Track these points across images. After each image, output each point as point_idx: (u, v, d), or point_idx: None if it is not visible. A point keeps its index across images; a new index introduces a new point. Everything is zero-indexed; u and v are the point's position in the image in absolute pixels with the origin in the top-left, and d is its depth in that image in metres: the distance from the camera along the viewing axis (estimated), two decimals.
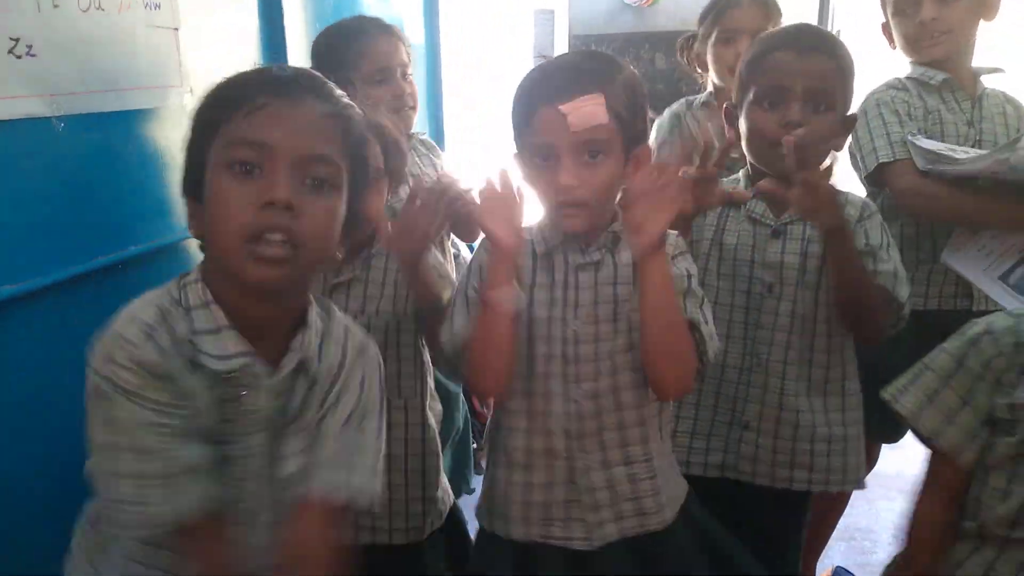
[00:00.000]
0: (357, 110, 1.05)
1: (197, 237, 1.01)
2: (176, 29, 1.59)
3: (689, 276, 1.26)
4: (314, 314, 1.06)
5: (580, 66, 1.24)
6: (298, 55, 2.03)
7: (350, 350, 1.08)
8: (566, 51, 1.41)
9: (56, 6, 1.35)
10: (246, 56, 1.91)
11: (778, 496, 1.53)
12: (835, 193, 1.41)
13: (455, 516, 1.64)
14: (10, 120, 1.25)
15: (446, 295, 1.42)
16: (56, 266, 1.32)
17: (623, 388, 1.26)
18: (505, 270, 1.19)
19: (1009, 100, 1.88)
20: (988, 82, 1.89)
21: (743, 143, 1.52)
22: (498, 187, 1.20)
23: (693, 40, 2.18)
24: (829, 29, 4.53)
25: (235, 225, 0.93)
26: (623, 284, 1.26)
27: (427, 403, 1.57)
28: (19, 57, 1.30)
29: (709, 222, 1.55)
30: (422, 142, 2.07)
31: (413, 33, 2.59)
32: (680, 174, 1.21)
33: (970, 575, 1.19)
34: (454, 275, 1.54)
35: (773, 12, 2.04)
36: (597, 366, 1.26)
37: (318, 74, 1.03)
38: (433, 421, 1.59)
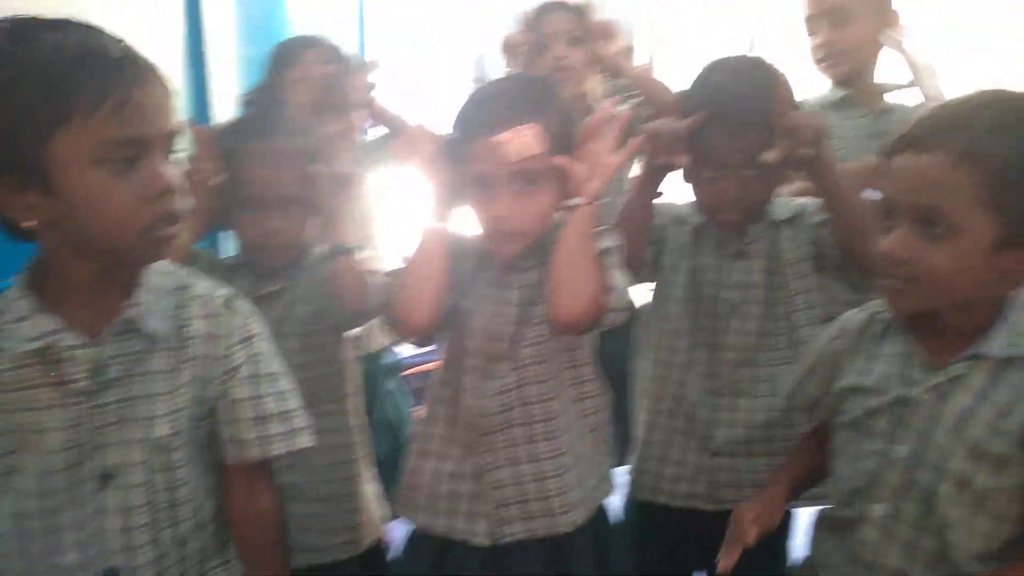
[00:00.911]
0: None
1: (37, 228, 0.94)
2: None
3: (608, 248, 1.28)
4: (152, 277, 1.03)
5: (514, 95, 1.25)
6: (220, 66, 1.97)
7: (212, 311, 1.07)
8: (502, 76, 1.38)
9: None
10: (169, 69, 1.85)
11: None
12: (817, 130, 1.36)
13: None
14: None
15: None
16: None
17: (530, 383, 1.28)
18: (438, 210, 1.26)
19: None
20: (902, 98, 1.94)
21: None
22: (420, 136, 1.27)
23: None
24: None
25: (130, 221, 0.93)
26: (544, 285, 1.28)
27: (355, 409, 1.55)
28: None
29: (678, 245, 1.52)
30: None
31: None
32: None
33: (813, 559, 1.24)
34: None
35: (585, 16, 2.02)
36: (508, 364, 1.28)
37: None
38: (364, 434, 1.58)
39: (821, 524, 1.24)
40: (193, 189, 1.28)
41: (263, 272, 1.46)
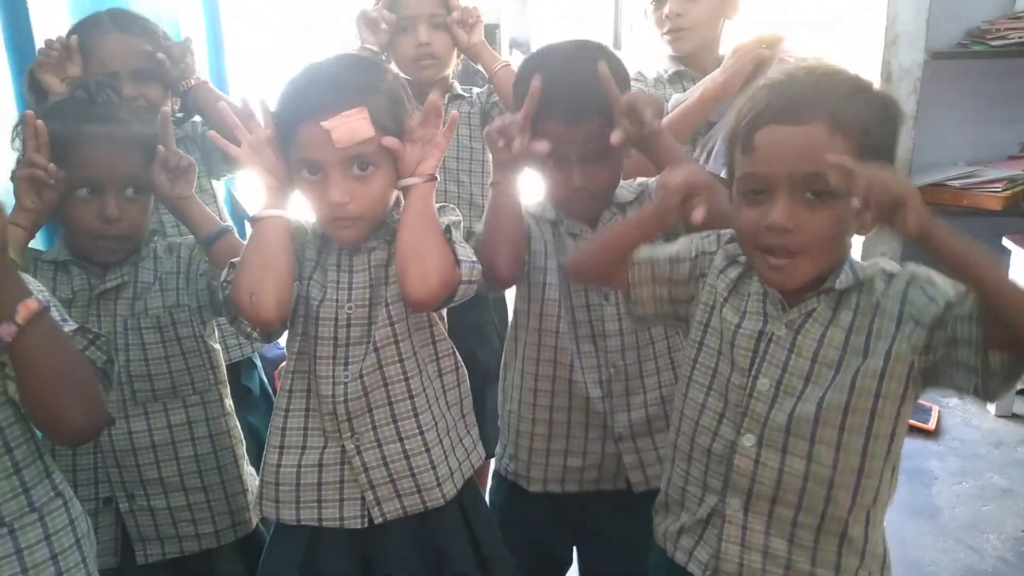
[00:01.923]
0: None
1: None
2: None
3: (452, 229, 1.28)
4: None
5: (341, 78, 1.23)
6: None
7: None
8: (325, 57, 1.35)
9: None
10: None
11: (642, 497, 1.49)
12: (656, 106, 1.37)
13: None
14: None
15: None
16: None
17: (387, 363, 1.28)
18: (271, 196, 1.24)
19: None
20: None
21: None
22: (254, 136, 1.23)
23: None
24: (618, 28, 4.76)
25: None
26: (391, 266, 1.28)
27: (225, 397, 1.54)
28: None
29: (542, 244, 1.50)
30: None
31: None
32: None
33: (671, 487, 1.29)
34: None
35: None
36: (365, 347, 1.27)
37: None
38: (235, 419, 1.57)
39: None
40: (26, 184, 1.21)
41: (94, 267, 1.41)
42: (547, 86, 1.35)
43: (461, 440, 1.40)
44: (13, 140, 1.40)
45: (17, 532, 1.04)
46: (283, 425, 1.32)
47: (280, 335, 1.34)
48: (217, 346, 1.55)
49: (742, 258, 1.21)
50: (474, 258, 1.27)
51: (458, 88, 2.10)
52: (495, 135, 1.37)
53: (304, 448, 1.30)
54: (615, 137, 1.34)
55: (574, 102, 1.35)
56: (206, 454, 1.50)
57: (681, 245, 1.28)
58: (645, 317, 1.32)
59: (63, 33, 1.75)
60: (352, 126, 1.16)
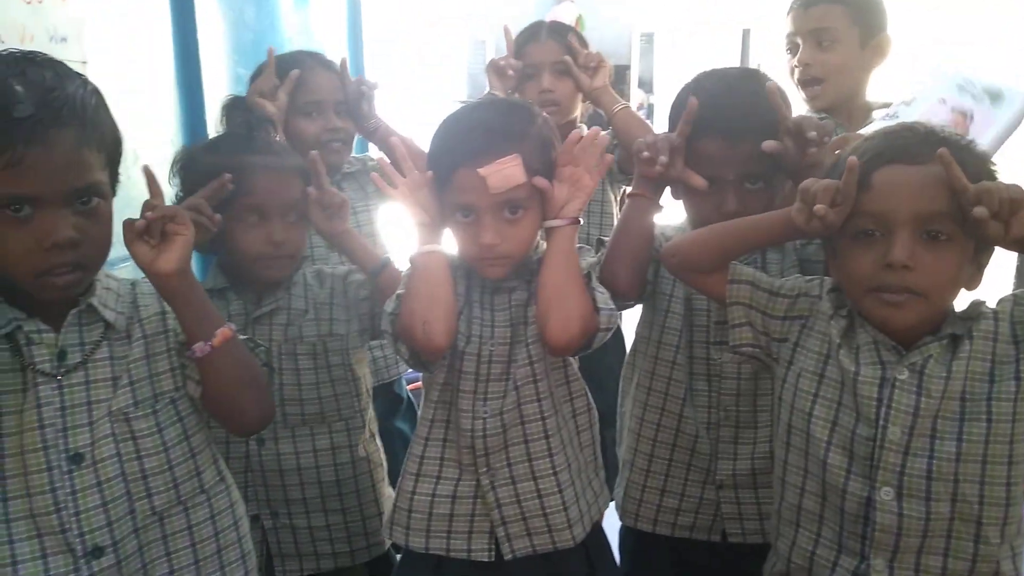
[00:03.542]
0: (101, 102, 1.05)
1: None
2: (84, 63, 1.56)
3: (591, 266, 1.30)
4: (103, 276, 1.12)
5: (495, 124, 1.25)
6: (213, 87, 2.00)
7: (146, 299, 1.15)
8: (476, 101, 1.38)
9: None
10: (160, 89, 1.88)
11: (765, 549, 1.40)
12: (822, 128, 1.31)
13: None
14: None
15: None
16: None
17: (525, 402, 1.29)
18: (425, 233, 1.27)
19: None
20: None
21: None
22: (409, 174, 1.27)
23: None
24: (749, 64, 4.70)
25: (22, 268, 0.99)
26: (531, 306, 1.29)
27: (368, 423, 1.60)
28: None
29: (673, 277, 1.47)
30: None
31: None
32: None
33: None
34: None
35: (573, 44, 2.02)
36: (504, 385, 1.29)
37: (54, 87, 0.99)
38: (378, 444, 1.63)
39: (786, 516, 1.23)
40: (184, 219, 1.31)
41: (249, 294, 1.49)
42: (705, 105, 1.34)
43: (591, 483, 1.39)
44: (171, 178, 1.49)
45: (190, 510, 1.17)
46: (421, 453, 1.35)
47: (436, 367, 1.34)
48: (363, 374, 1.60)
49: (844, 310, 1.17)
50: (613, 306, 1.27)
51: (584, 132, 2.12)
52: (643, 148, 1.37)
53: (439, 478, 1.33)
54: (769, 145, 1.30)
55: (733, 120, 1.33)
56: (347, 479, 1.54)
57: (783, 281, 1.26)
58: (739, 347, 1.27)
59: (230, 76, 1.89)
60: (506, 173, 1.20)
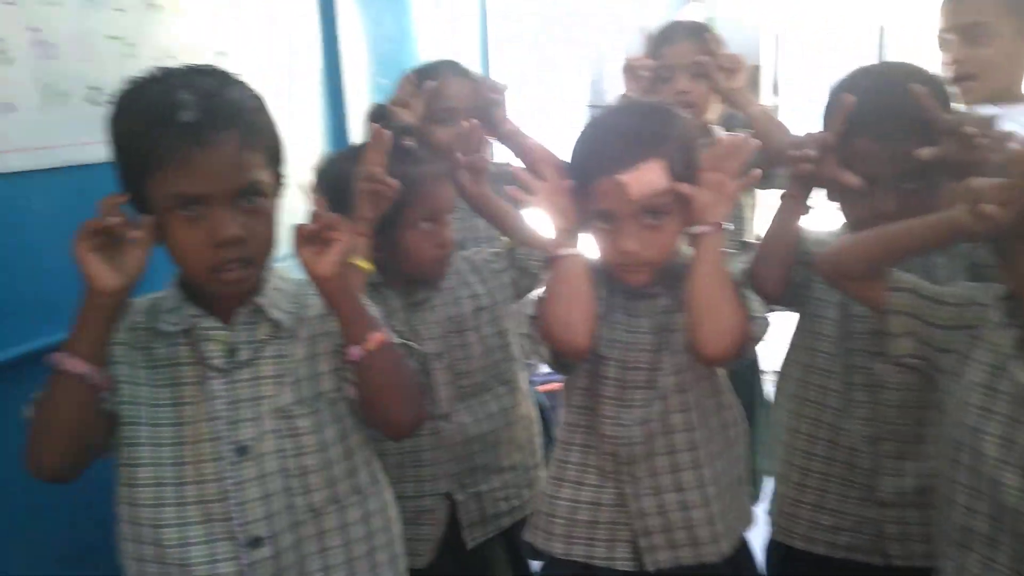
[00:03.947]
0: (262, 107, 1.10)
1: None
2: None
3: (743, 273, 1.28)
4: (273, 276, 1.17)
5: (635, 130, 1.23)
6: (355, 96, 2.08)
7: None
8: (618, 105, 1.37)
9: (131, 55, 1.43)
10: (309, 102, 1.97)
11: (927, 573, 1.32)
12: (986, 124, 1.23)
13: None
14: (91, 164, 1.32)
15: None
16: None
17: (672, 412, 1.26)
18: (564, 237, 1.25)
19: None
20: None
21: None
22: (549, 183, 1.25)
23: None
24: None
25: (196, 264, 1.06)
26: (677, 313, 1.26)
27: (523, 382, 1.66)
28: (97, 105, 1.37)
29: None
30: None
31: None
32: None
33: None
34: None
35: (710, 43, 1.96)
36: (648, 393, 1.26)
37: (216, 93, 1.04)
38: (530, 400, 1.70)
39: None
40: (367, 195, 1.36)
41: (402, 287, 1.53)
42: (861, 102, 1.27)
43: (738, 497, 1.35)
44: (311, 190, 1.49)
45: (345, 509, 1.18)
46: (563, 458, 1.33)
47: (580, 367, 1.33)
48: (514, 338, 1.64)
49: (1018, 319, 1.08)
50: (764, 314, 1.22)
51: (719, 133, 2.09)
52: (793, 145, 1.32)
53: (581, 484, 1.31)
54: (926, 153, 1.22)
55: (891, 118, 1.26)
56: (514, 437, 1.61)
57: (947, 288, 1.18)
58: (900, 358, 1.19)
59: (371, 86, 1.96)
60: (647, 179, 1.17)
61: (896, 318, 1.17)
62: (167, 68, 1.06)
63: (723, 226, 1.22)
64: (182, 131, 1.00)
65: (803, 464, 1.43)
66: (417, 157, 1.50)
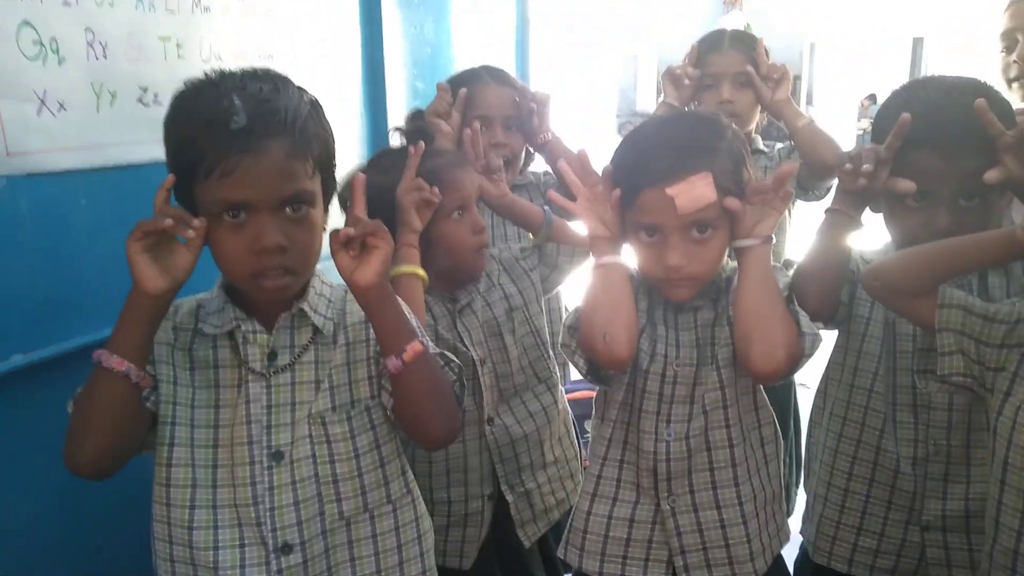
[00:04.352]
0: (316, 114, 1.10)
1: None
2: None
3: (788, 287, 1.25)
4: (317, 282, 1.16)
5: (683, 142, 1.20)
6: (394, 99, 2.09)
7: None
8: (664, 116, 1.34)
9: (180, 56, 1.44)
10: (350, 105, 1.98)
11: None
12: None
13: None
14: (139, 164, 1.34)
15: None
16: None
17: (713, 427, 1.24)
18: (604, 245, 1.24)
19: None
20: None
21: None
22: (590, 188, 1.24)
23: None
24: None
25: (238, 270, 1.06)
26: (720, 327, 1.24)
27: (560, 378, 1.68)
28: (147, 105, 1.38)
29: (876, 300, 1.38)
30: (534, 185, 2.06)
31: None
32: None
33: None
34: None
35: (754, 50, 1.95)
36: (690, 408, 1.24)
37: (268, 99, 1.04)
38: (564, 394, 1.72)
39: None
40: (415, 205, 1.37)
41: (444, 294, 1.53)
42: (920, 115, 1.24)
43: (775, 515, 1.33)
44: (344, 201, 1.45)
45: (376, 519, 1.18)
46: (598, 473, 1.31)
47: (619, 379, 1.31)
48: (546, 335, 1.65)
49: None
50: (815, 330, 1.19)
51: (760, 143, 2.06)
52: (846, 159, 1.29)
53: (616, 500, 1.30)
54: (991, 176, 1.18)
55: (952, 134, 1.22)
56: (555, 432, 1.63)
57: (999, 305, 1.14)
58: (949, 376, 1.16)
59: (408, 89, 1.97)
60: (696, 193, 1.14)
61: (946, 336, 1.15)
62: (224, 71, 1.06)
63: (771, 240, 1.20)
64: (231, 137, 1.00)
65: (844, 485, 1.40)
66: (436, 151, 1.51)
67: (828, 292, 1.34)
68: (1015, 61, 1.71)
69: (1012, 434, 1.09)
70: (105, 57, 1.31)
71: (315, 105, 1.11)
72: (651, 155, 1.20)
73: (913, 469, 1.33)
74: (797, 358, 1.17)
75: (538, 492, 1.59)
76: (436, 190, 1.38)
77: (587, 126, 3.79)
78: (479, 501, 1.52)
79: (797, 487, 2.14)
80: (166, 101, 1.37)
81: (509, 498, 1.54)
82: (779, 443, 1.33)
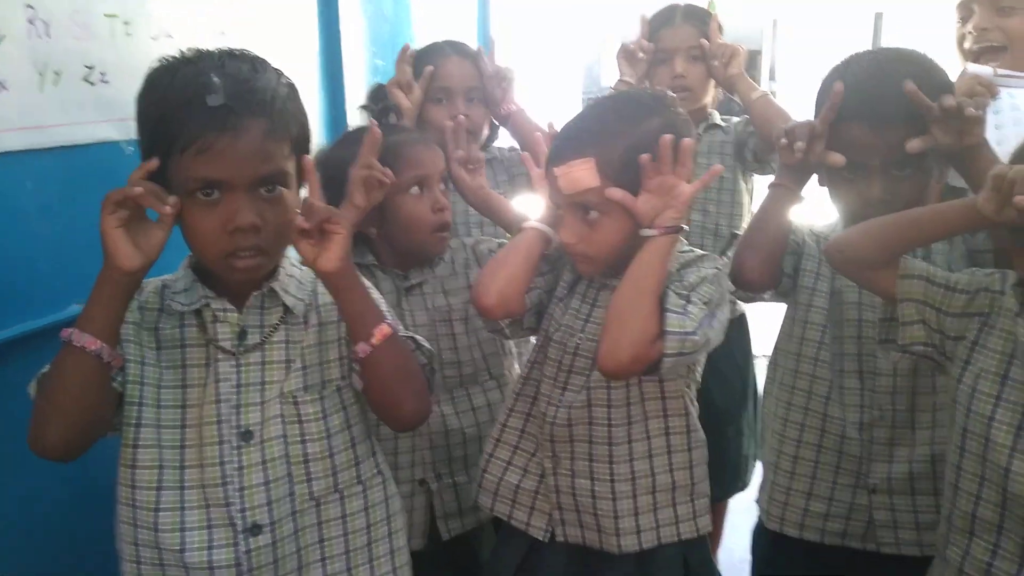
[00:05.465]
0: (294, 97, 1.10)
1: None
2: None
3: (693, 287, 1.17)
4: (287, 263, 1.17)
5: (583, 125, 1.24)
6: (353, 77, 2.06)
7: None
8: (603, 96, 1.38)
9: (128, 35, 1.41)
10: (307, 82, 1.95)
11: (918, 562, 1.33)
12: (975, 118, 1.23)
13: None
14: (85, 144, 1.31)
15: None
16: None
17: (595, 404, 1.26)
18: (547, 213, 1.28)
19: None
20: None
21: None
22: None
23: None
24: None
25: (211, 249, 1.05)
26: None
27: (513, 377, 1.65)
28: (93, 84, 1.35)
29: (816, 265, 1.42)
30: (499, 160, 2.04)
31: None
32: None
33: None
34: None
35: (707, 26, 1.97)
36: (585, 380, 1.26)
37: (247, 79, 1.04)
38: None
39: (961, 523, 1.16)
40: (360, 183, 1.35)
41: (395, 271, 1.53)
42: (851, 88, 1.28)
43: (675, 505, 1.30)
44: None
45: (346, 499, 1.18)
46: (504, 422, 1.38)
47: (512, 336, 1.38)
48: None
49: None
50: (691, 328, 1.13)
51: (717, 118, 2.07)
52: (782, 134, 1.32)
53: (517, 448, 1.36)
54: (913, 145, 1.23)
55: (880, 105, 1.26)
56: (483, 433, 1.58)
57: (958, 275, 1.18)
58: (910, 346, 1.18)
59: (368, 66, 1.95)
60: (575, 176, 1.17)
61: (907, 306, 1.17)
62: (202, 50, 1.06)
63: (678, 230, 1.17)
64: (209, 115, 0.99)
65: (793, 452, 1.44)
66: (399, 128, 1.51)
67: (768, 263, 1.37)
68: (970, 32, 1.73)
69: (971, 402, 1.12)
70: (48, 35, 1.28)
71: (292, 87, 1.11)
72: (560, 135, 1.25)
73: (860, 434, 1.37)
74: (646, 360, 1.13)
75: (469, 489, 1.55)
76: (389, 171, 1.37)
77: (553, 102, 3.76)
78: (409, 485, 1.51)
79: (755, 460, 2.17)
80: (114, 80, 1.35)
81: (433, 487, 1.53)
82: (692, 436, 1.30)
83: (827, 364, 1.39)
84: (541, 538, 1.34)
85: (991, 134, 1.28)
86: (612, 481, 1.27)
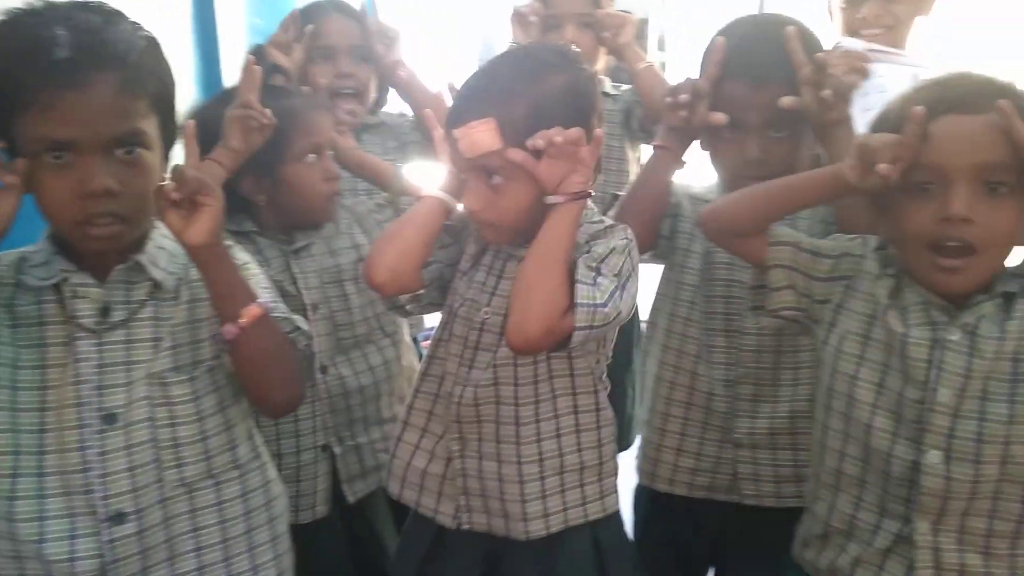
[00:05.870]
0: (153, 51, 1.04)
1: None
2: None
3: (602, 258, 1.13)
4: (157, 234, 1.10)
5: (483, 84, 1.18)
6: (229, 36, 1.98)
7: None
8: (505, 52, 1.31)
9: None
10: (178, 42, 1.86)
11: (781, 514, 1.37)
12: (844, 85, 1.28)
13: None
14: None
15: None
16: None
17: (502, 383, 1.20)
18: (449, 180, 1.22)
19: None
20: None
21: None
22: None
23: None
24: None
25: (63, 216, 0.99)
26: None
27: (406, 335, 1.67)
28: None
29: (692, 226, 1.43)
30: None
31: None
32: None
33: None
34: None
35: None
36: (492, 357, 1.20)
37: (96, 31, 0.97)
38: (414, 353, 1.72)
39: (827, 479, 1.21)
40: (237, 124, 1.30)
41: (278, 235, 1.49)
42: (733, 48, 1.31)
43: (582, 485, 1.26)
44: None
45: (221, 485, 1.12)
46: (411, 403, 1.31)
47: (413, 312, 1.32)
48: None
49: (892, 269, 1.14)
50: (601, 300, 1.09)
51: (607, 86, 2.09)
52: (667, 93, 1.34)
53: (425, 431, 1.28)
54: (787, 102, 1.26)
55: (759, 64, 1.29)
56: (401, 387, 1.60)
57: (823, 241, 1.22)
58: (779, 311, 1.22)
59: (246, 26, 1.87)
60: (475, 137, 1.10)
61: (776, 272, 1.21)
62: (50, 1, 0.98)
63: (585, 196, 1.14)
64: (53, 69, 0.92)
65: (664, 409, 1.47)
66: (291, 92, 1.46)
67: (647, 225, 1.39)
68: (862, 18, 1.85)
69: (836, 361, 1.17)
70: None
71: (152, 40, 1.04)
72: (461, 93, 1.19)
73: (726, 390, 1.42)
74: (558, 334, 1.10)
75: (370, 448, 1.56)
76: (268, 112, 1.31)
77: (447, 65, 3.71)
78: (312, 452, 1.49)
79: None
80: None
81: (337, 450, 1.52)
82: (601, 415, 1.28)
83: (697, 323, 1.43)
84: (449, 525, 1.26)
85: (860, 118, 1.32)
86: (519, 463, 1.22)
